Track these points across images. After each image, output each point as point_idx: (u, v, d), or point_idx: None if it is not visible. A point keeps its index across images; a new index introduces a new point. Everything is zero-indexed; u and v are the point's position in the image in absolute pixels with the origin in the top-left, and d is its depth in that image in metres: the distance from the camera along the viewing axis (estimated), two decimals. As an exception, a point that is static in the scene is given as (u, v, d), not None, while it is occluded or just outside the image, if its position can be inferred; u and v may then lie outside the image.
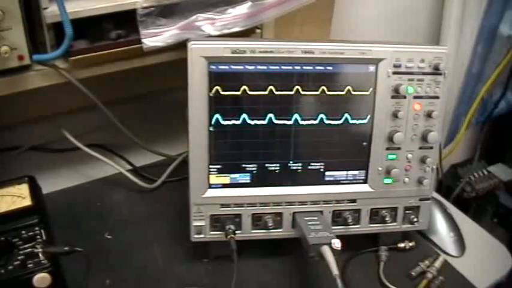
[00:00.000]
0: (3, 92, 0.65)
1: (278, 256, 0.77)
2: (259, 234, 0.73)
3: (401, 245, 0.79)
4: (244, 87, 0.67)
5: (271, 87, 0.68)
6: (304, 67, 0.68)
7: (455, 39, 1.16)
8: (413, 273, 0.75)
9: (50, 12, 0.63)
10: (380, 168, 0.73)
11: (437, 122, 0.73)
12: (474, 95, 1.28)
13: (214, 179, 0.71)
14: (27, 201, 0.67)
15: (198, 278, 0.74)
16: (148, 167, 0.94)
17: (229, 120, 0.68)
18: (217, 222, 0.72)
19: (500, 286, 0.80)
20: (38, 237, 0.62)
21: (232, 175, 0.71)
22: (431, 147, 0.74)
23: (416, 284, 0.74)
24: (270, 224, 0.72)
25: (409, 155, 0.73)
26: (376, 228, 0.77)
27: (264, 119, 0.69)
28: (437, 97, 0.72)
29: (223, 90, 0.67)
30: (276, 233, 0.74)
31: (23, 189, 0.69)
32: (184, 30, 0.70)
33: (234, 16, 0.72)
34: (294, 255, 0.77)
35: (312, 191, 0.73)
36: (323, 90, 0.69)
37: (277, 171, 0.72)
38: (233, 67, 0.67)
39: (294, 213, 0.73)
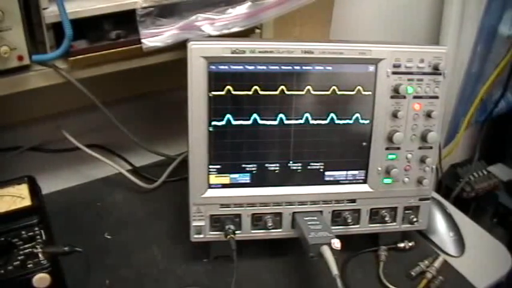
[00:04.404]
0: (3, 92, 0.65)
1: (278, 256, 0.77)
2: (259, 234, 0.73)
3: (401, 244, 0.79)
4: (244, 87, 0.67)
5: (273, 87, 0.68)
6: (304, 67, 0.68)
7: (455, 39, 1.16)
8: (413, 273, 0.76)
9: (50, 12, 0.63)
10: (380, 168, 0.73)
11: (436, 122, 0.73)
12: (474, 94, 1.28)
13: (214, 179, 0.71)
14: (26, 202, 0.66)
15: (198, 278, 0.74)
16: (148, 167, 0.94)
17: (229, 120, 0.68)
18: (217, 222, 0.72)
19: (499, 286, 0.80)
20: (38, 237, 0.62)
21: (232, 175, 0.71)
22: (430, 147, 0.74)
23: (415, 284, 0.74)
24: (270, 224, 0.72)
25: (409, 155, 0.73)
26: (375, 228, 0.77)
27: (263, 120, 0.69)
28: (436, 97, 0.72)
29: (222, 91, 0.67)
30: (276, 233, 0.74)
31: (23, 189, 0.69)
32: (184, 30, 0.70)
33: (234, 16, 0.72)
34: (294, 255, 0.77)
35: (312, 191, 0.73)
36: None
37: (277, 171, 0.72)
38: (233, 67, 0.67)
39: (294, 213, 0.73)
